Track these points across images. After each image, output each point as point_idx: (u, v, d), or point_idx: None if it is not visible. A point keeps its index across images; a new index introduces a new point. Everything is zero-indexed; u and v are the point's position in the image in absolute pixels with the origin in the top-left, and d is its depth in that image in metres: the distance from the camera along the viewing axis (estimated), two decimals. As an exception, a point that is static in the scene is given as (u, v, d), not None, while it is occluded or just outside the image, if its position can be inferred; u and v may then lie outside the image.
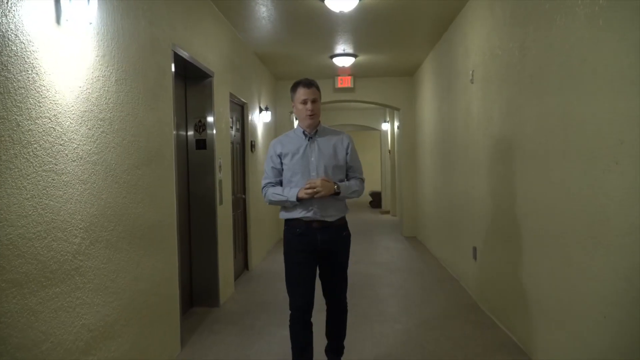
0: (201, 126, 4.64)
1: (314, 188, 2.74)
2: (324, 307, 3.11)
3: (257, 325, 4.17)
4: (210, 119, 4.62)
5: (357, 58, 7.20)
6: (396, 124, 11.26)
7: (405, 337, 3.85)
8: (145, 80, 3.09)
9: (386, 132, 13.44)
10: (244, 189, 6.29)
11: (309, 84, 2.88)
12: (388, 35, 6.09)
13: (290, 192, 2.83)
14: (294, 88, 2.92)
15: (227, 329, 4.09)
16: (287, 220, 2.94)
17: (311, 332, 2.96)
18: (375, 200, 14.86)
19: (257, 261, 6.63)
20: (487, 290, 4.35)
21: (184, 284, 4.40)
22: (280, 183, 2.95)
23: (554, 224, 2.94)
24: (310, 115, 2.86)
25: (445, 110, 6.05)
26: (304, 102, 2.87)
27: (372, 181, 16.55)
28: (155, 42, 3.27)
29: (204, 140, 4.63)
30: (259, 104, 7.17)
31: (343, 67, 7.38)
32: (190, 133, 4.64)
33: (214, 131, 4.62)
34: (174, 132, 3.60)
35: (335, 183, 2.82)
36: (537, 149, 3.17)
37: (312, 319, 2.97)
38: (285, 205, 2.90)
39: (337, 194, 2.81)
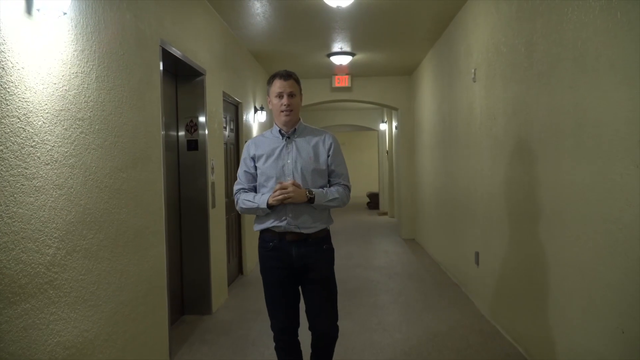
0: (193, 126, 4.44)
1: (285, 190, 2.39)
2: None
3: (251, 335, 3.98)
4: (202, 119, 4.43)
5: (355, 56, 7.02)
6: (394, 124, 11.08)
7: (406, 347, 3.67)
8: (130, 78, 2.90)
9: (384, 132, 13.27)
10: (238, 191, 6.10)
11: (287, 75, 2.52)
12: (386, 32, 5.91)
13: (261, 199, 2.47)
14: (270, 80, 2.57)
15: (219, 340, 3.90)
16: (260, 233, 2.60)
17: (299, 352, 2.67)
18: (373, 202, 14.69)
19: (252, 265, 6.44)
20: (491, 298, 4.17)
21: (174, 292, 4.22)
22: (255, 189, 2.60)
23: (566, 229, 2.77)
24: (285, 112, 2.51)
25: (446, 109, 5.88)
26: (279, 96, 2.52)
27: (370, 182, 16.38)
28: (141, 37, 3.08)
29: (196, 141, 4.44)
30: (254, 103, 6.99)
31: (340, 65, 7.20)
32: (182, 133, 4.44)
33: (206, 132, 4.43)
34: (162, 133, 3.42)
35: (307, 190, 2.45)
36: (546, 149, 2.99)
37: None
38: (257, 214, 2.57)
39: (310, 200, 2.44)
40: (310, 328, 2.60)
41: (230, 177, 5.75)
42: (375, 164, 15.52)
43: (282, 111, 2.51)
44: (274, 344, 2.67)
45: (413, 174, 8.67)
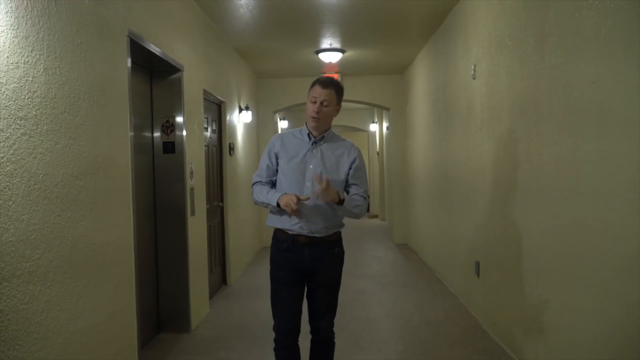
0: (169, 127, 4.07)
1: (300, 202, 2.39)
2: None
3: (233, 357, 3.62)
4: (179, 119, 4.06)
5: (345, 54, 6.68)
6: (385, 124, 10.77)
7: (403, 370, 3.33)
8: (89, 71, 2.53)
9: (374, 133, 12.96)
10: (221, 196, 5.73)
11: (327, 83, 2.51)
12: (378, 27, 5.58)
13: (274, 196, 2.48)
14: (313, 83, 2.56)
15: (197, 362, 3.54)
16: (275, 231, 2.62)
17: (298, 357, 2.63)
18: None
19: (236, 275, 6.06)
20: (494, 313, 3.85)
21: (148, 309, 3.85)
22: (273, 183, 2.63)
23: (582, 242, 2.44)
24: (313, 117, 2.51)
25: (441, 109, 5.56)
26: (313, 101, 2.51)
27: (360, 184, 16.01)
28: (104, 26, 2.71)
29: (172, 143, 4.06)
30: (239, 103, 6.62)
31: (330, 63, 6.85)
32: (157, 135, 4.07)
33: (184, 133, 4.06)
34: (131, 134, 3.05)
35: (337, 191, 2.44)
36: (562, 154, 2.67)
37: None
38: (271, 210, 2.59)
39: (340, 202, 2.45)
40: (312, 329, 2.64)
41: (213, 181, 5.38)
42: (366, 166, 15.19)
43: (312, 116, 2.52)
44: (274, 345, 2.62)
45: (405, 177, 8.35)
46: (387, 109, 8.69)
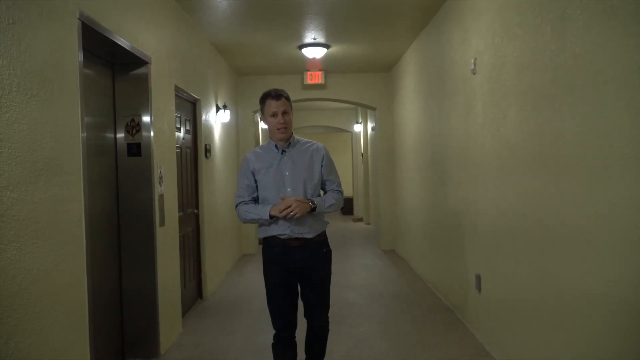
0: (134, 127, 3.60)
1: (289, 207, 2.60)
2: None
3: (206, 389, 3.18)
4: (146, 117, 3.59)
5: (330, 49, 6.27)
6: (370, 125, 10.40)
7: (401, 403, 2.93)
8: (25, 58, 2.07)
9: (358, 133, 12.59)
10: (196, 203, 5.26)
11: (278, 95, 2.72)
12: (365, 19, 5.18)
13: (263, 210, 2.69)
14: (263, 100, 2.77)
15: (165, 397, 3.09)
16: (264, 239, 2.80)
17: (295, 352, 2.85)
18: (347, 207, 13.97)
19: (213, 287, 5.60)
20: (499, 332, 3.47)
21: (109, 333, 3.38)
22: (255, 200, 2.81)
23: (599, 256, 2.06)
24: (281, 129, 2.71)
25: (434, 108, 5.18)
26: (274, 115, 2.71)
27: (343, 186, 15.61)
28: (47, 4, 2.25)
29: (138, 145, 3.60)
30: (216, 101, 6.15)
31: (313, 59, 6.44)
32: (121, 135, 3.60)
33: (151, 133, 3.60)
34: (83, 135, 2.58)
35: (309, 200, 2.69)
36: (585, 155, 2.29)
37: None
38: (261, 224, 2.77)
39: (313, 210, 2.68)
40: (308, 320, 2.87)
41: (187, 187, 4.92)
42: (349, 167, 14.82)
43: (279, 129, 2.71)
44: (273, 340, 2.85)
45: (393, 179, 7.97)
46: (373, 109, 8.31)
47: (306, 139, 2.89)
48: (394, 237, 7.99)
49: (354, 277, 6.19)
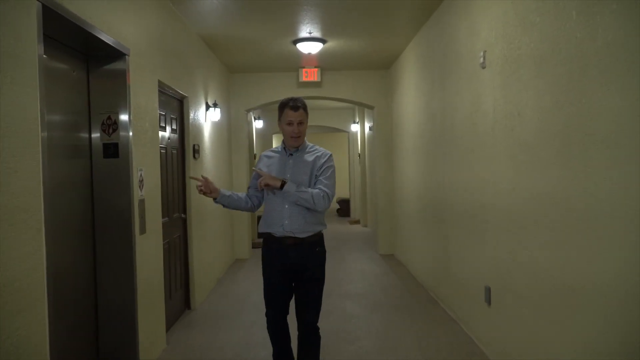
0: (111, 125, 3.27)
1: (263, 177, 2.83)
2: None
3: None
4: (124, 116, 3.26)
5: (326, 44, 5.95)
6: (367, 125, 10.09)
7: None
8: (-36, 42, 1.74)
9: (355, 133, 12.28)
10: (184, 207, 4.93)
11: (296, 107, 2.88)
12: (364, 12, 4.86)
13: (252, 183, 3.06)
14: (281, 108, 2.93)
15: None
16: (264, 237, 2.98)
17: (287, 331, 3.03)
18: (343, 209, 13.69)
19: (202, 296, 5.27)
20: (513, 350, 3.15)
21: (81, 355, 3.05)
22: (258, 195, 3.07)
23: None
24: (295, 137, 2.91)
25: (437, 106, 4.87)
26: (290, 124, 2.89)
27: (340, 187, 15.31)
28: (-5, -20, 1.93)
29: (115, 145, 3.26)
30: (206, 99, 5.82)
31: (309, 55, 6.11)
32: (96, 135, 3.26)
33: (130, 133, 3.27)
34: (44, 134, 2.26)
35: (283, 180, 2.81)
36: (632, 154, 1.97)
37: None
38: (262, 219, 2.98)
39: (282, 186, 2.78)
40: (297, 319, 2.95)
41: (173, 190, 4.59)
42: (346, 168, 14.51)
43: (292, 137, 2.91)
44: (267, 325, 3.03)
45: (391, 181, 7.65)
46: (371, 108, 8.00)
47: (317, 146, 3.03)
48: (392, 240, 7.68)
49: (351, 284, 5.87)
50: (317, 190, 2.83)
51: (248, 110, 7.81)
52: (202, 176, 2.92)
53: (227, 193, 2.98)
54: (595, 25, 2.16)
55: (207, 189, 2.87)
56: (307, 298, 2.92)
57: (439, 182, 4.86)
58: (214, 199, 2.93)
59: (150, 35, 3.80)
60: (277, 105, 3.05)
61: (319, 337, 2.98)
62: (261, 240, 3.04)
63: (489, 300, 3.52)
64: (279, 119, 2.95)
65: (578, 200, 2.32)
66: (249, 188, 3.11)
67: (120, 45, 3.17)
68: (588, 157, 2.24)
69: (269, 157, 3.03)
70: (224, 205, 3.01)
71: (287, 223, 2.83)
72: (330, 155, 3.00)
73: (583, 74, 2.26)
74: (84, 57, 3.17)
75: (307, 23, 5.17)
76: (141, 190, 3.48)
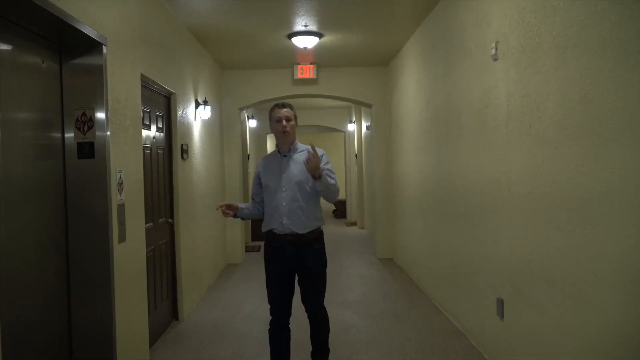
0: (86, 122, 2.95)
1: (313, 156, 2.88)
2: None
3: None
4: (100, 113, 2.94)
5: (322, 39, 5.66)
6: (364, 124, 9.80)
7: None
8: None
9: (352, 133, 11.98)
10: (171, 211, 4.62)
11: (283, 105, 3.11)
12: (362, 4, 4.57)
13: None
14: (271, 110, 3.12)
15: None
16: (266, 234, 3.12)
17: (288, 337, 3.16)
18: (340, 210, 13.40)
19: (191, 305, 4.96)
20: (529, 371, 2.87)
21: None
22: (262, 201, 3.20)
23: None
24: (284, 132, 3.06)
25: (440, 104, 4.58)
26: (279, 120, 3.06)
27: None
28: None
29: (91, 145, 2.94)
30: (195, 96, 5.51)
31: (305, 49, 5.81)
32: (70, 135, 2.95)
33: (108, 131, 2.96)
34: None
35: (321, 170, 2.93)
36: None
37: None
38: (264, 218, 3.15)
39: (319, 177, 2.91)
40: (305, 307, 3.12)
41: (159, 193, 4.28)
42: (342, 169, 14.21)
43: (281, 131, 3.07)
44: (268, 327, 3.14)
45: (390, 182, 7.37)
46: (369, 106, 7.70)
47: (309, 146, 3.05)
48: (391, 244, 7.38)
49: (349, 292, 5.58)
50: (331, 179, 3.02)
51: (241, 109, 7.50)
52: (220, 204, 3.05)
53: (243, 206, 3.15)
54: (635, 7, 1.87)
55: (232, 210, 3.05)
56: (310, 289, 3.10)
57: (442, 183, 4.57)
58: (234, 215, 3.09)
59: (132, 26, 3.50)
60: (271, 104, 3.21)
61: (327, 321, 3.19)
62: (254, 244, 3.19)
63: (501, 313, 3.23)
64: (270, 121, 3.14)
65: (613, 200, 2.03)
66: (252, 199, 3.27)
67: (96, 33, 2.86)
68: (625, 157, 1.95)
69: (264, 161, 3.23)
70: (242, 218, 3.20)
71: (286, 220, 2.99)
72: (324, 152, 3.09)
73: (624, 59, 1.97)
74: (55, 46, 2.86)
75: (303, 15, 4.87)
76: (120, 193, 3.16)
